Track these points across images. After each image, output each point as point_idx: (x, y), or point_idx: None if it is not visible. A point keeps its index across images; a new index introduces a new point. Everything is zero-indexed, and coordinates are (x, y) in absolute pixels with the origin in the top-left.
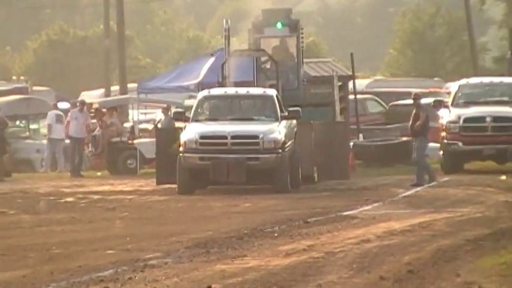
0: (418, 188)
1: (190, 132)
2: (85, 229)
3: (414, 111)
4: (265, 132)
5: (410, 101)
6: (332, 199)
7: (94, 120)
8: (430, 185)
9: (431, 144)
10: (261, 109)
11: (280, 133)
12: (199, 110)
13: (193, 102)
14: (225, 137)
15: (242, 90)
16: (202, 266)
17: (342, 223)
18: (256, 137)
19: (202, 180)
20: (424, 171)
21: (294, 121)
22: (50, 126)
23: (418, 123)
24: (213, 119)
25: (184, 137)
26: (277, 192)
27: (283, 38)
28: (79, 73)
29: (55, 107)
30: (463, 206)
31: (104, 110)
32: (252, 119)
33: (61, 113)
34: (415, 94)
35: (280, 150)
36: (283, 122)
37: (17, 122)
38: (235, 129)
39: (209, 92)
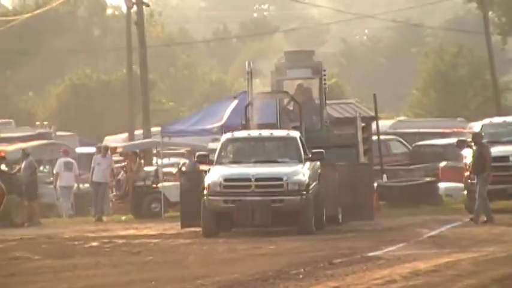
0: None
1: (214, 175)
2: (110, 273)
3: (476, 149)
4: (289, 174)
5: (434, 141)
6: (357, 240)
7: (118, 165)
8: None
9: (455, 184)
10: (284, 151)
11: (304, 175)
12: (222, 153)
13: (217, 145)
14: (249, 180)
15: (265, 133)
16: None
17: (367, 264)
18: (280, 179)
19: (227, 223)
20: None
21: (318, 163)
22: (57, 175)
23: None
24: (236, 161)
25: (208, 179)
26: (302, 233)
27: (306, 79)
28: (102, 117)
29: (65, 153)
30: (487, 245)
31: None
32: (276, 161)
33: (71, 160)
34: (476, 134)
35: (304, 192)
36: (307, 164)
37: (41, 167)
38: (259, 171)
39: (233, 134)
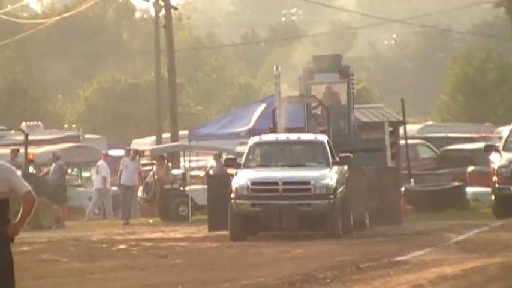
0: None
1: (241, 178)
2: (137, 276)
3: None
4: (317, 178)
5: (462, 146)
6: (384, 244)
7: (146, 168)
8: None
9: (483, 189)
10: (312, 155)
11: (331, 179)
12: (250, 157)
13: (244, 149)
14: (276, 183)
15: (293, 136)
16: None
17: (394, 268)
18: (307, 183)
19: (254, 226)
20: None
21: (345, 167)
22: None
23: None
24: (264, 165)
25: (235, 183)
26: (329, 238)
27: (333, 83)
28: (130, 121)
29: (103, 157)
30: None
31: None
32: (304, 165)
33: (98, 163)
34: None
35: (331, 196)
36: (335, 168)
37: (69, 170)
38: (287, 175)
39: (260, 138)
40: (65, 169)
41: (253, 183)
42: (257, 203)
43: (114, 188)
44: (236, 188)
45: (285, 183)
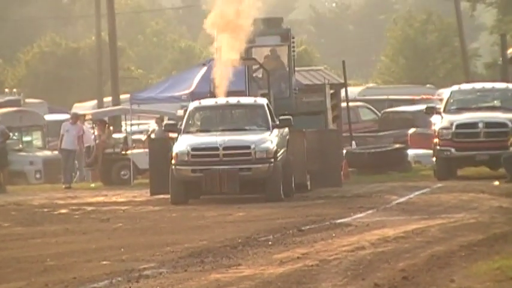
0: None
1: (181, 144)
2: (79, 240)
3: None
4: (257, 142)
5: (403, 108)
6: (326, 207)
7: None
8: None
9: (424, 151)
10: (252, 118)
11: (272, 142)
12: (190, 122)
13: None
14: (216, 149)
15: (233, 100)
16: (197, 276)
17: (336, 231)
18: (248, 147)
19: (196, 191)
20: None
21: (286, 129)
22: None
23: None
24: (204, 130)
25: (176, 149)
26: (270, 201)
27: (274, 47)
28: (72, 85)
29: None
30: (456, 212)
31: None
32: (244, 129)
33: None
34: None
35: (272, 160)
36: (275, 131)
37: (10, 135)
38: (227, 140)
39: (200, 103)
40: (7, 133)
41: (193, 149)
42: (198, 169)
43: (56, 152)
44: (176, 153)
45: (225, 148)
